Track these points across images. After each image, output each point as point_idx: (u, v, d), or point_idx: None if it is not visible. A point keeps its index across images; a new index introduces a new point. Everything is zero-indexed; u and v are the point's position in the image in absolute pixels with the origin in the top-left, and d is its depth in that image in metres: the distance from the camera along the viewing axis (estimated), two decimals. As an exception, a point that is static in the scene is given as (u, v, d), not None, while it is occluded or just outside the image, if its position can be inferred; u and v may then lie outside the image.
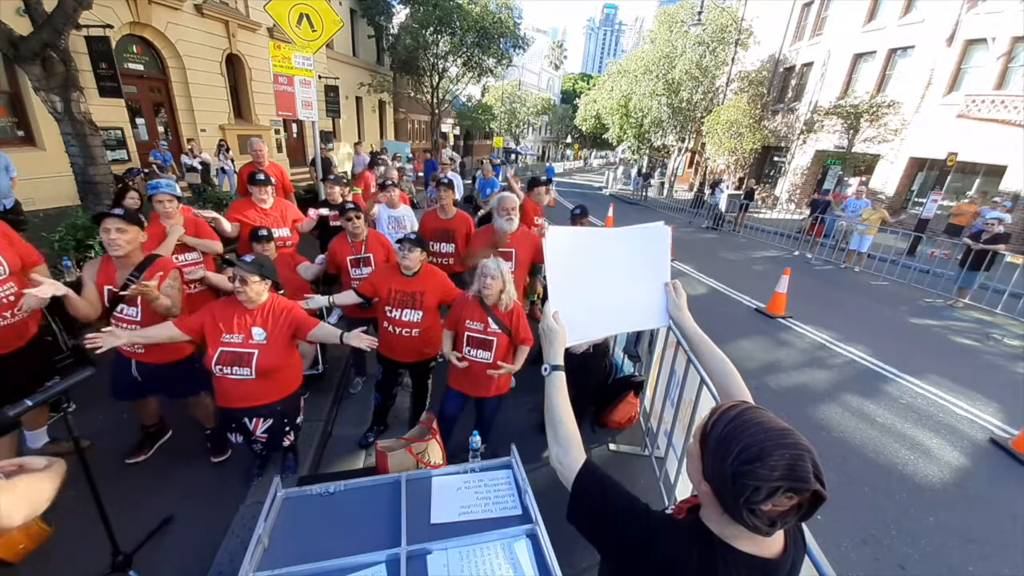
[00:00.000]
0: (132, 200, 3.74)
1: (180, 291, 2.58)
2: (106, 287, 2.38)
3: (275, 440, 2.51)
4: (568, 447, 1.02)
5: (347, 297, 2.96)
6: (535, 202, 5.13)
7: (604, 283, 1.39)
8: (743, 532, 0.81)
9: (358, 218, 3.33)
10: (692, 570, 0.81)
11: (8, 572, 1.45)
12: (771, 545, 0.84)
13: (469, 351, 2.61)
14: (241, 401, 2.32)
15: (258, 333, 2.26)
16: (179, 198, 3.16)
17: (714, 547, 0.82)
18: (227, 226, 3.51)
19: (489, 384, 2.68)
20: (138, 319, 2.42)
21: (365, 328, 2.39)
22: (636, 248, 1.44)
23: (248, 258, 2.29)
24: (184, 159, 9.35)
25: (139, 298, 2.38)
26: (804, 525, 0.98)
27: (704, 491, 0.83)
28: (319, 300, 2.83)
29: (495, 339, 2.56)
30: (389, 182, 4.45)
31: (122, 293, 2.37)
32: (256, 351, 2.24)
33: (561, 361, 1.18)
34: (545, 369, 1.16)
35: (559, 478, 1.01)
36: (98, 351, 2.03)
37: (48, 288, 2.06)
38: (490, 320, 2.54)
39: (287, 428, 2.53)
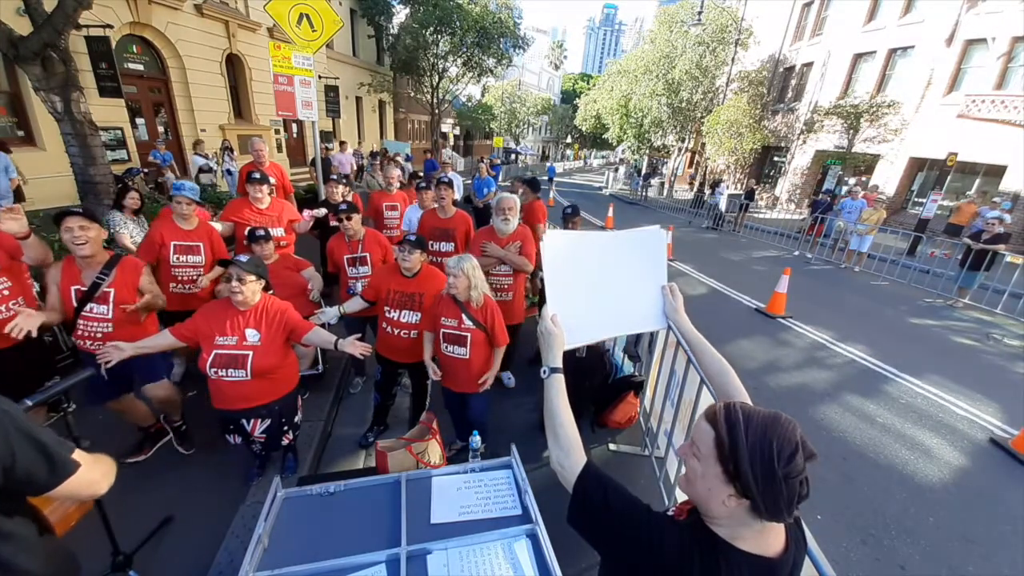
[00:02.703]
0: (132, 200, 3.74)
1: (153, 281, 2.66)
2: (73, 287, 2.37)
3: (274, 440, 2.51)
4: (569, 450, 1.02)
5: (355, 304, 2.97)
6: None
7: (601, 286, 1.39)
8: (746, 532, 0.81)
9: (349, 219, 3.34)
10: (694, 571, 0.81)
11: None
12: (773, 544, 0.84)
13: (446, 347, 2.64)
14: (238, 403, 2.31)
15: (252, 335, 2.26)
16: (198, 203, 3.26)
17: (716, 548, 0.82)
18: (219, 227, 3.59)
19: (468, 381, 2.70)
20: (109, 316, 2.42)
21: (360, 335, 2.39)
22: (633, 251, 1.44)
23: (243, 257, 2.28)
24: (197, 159, 9.25)
25: (111, 295, 2.40)
26: (805, 526, 0.98)
27: (731, 504, 0.77)
28: (331, 312, 2.83)
29: (469, 335, 2.58)
30: (423, 184, 4.62)
31: (128, 308, 2.41)
32: (251, 353, 2.23)
33: (560, 364, 1.18)
34: (544, 372, 1.16)
35: (560, 480, 1.02)
36: (107, 365, 2.04)
37: (31, 321, 2.12)
38: (464, 316, 2.57)
39: (285, 427, 2.53)
